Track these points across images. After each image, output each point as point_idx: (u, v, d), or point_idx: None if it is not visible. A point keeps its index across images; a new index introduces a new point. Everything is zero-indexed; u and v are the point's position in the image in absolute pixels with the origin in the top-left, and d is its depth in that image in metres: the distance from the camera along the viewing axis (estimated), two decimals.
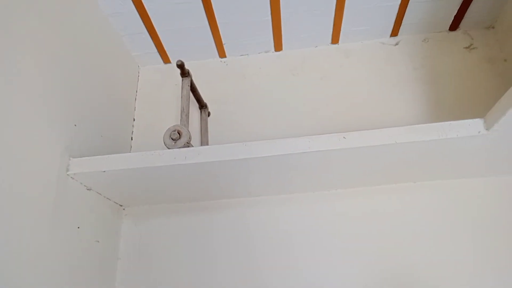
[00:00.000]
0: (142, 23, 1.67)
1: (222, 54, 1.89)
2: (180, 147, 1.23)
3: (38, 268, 1.06)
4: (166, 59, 1.91)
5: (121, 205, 1.58)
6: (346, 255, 1.42)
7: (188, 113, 1.39)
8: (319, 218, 1.47)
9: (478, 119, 1.12)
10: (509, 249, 1.35)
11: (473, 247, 1.38)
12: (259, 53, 1.90)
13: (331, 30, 1.77)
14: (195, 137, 1.70)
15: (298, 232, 1.47)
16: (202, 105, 1.71)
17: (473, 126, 1.12)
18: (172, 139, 1.25)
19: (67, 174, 1.20)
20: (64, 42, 1.30)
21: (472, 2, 1.65)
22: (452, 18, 1.74)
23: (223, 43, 1.82)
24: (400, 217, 1.45)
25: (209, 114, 1.75)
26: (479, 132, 1.11)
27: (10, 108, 1.01)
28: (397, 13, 1.70)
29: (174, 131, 1.25)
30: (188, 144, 1.27)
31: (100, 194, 1.40)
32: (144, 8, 1.60)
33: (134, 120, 1.81)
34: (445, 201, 1.44)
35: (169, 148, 1.25)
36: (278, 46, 1.86)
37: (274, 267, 1.43)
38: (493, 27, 1.78)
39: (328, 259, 1.42)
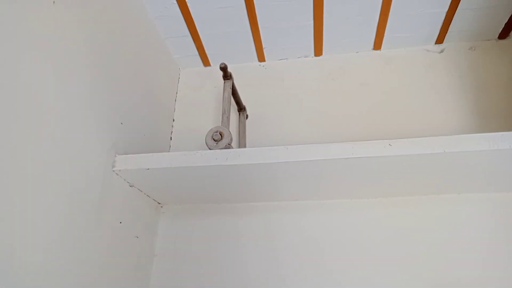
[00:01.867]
0: (186, 26, 1.71)
1: (261, 58, 1.90)
2: (221, 148, 1.25)
3: (81, 259, 1.10)
4: (206, 62, 1.94)
5: (159, 203, 1.61)
6: (381, 266, 1.38)
7: (229, 115, 1.40)
8: (358, 226, 1.45)
9: None
10: None
11: None
12: (298, 57, 1.90)
13: (374, 36, 1.75)
14: (233, 139, 1.71)
15: (334, 240, 1.45)
16: (241, 108, 1.72)
17: None
18: (214, 139, 1.26)
19: (113, 170, 1.24)
20: (113, 42, 1.34)
21: None
22: (503, 26, 1.68)
23: (263, 47, 1.83)
24: (441, 229, 1.40)
25: (247, 117, 1.76)
26: None
27: (63, 106, 1.05)
28: (444, 20, 1.65)
29: (216, 132, 1.26)
30: (229, 146, 1.28)
31: (141, 191, 1.44)
32: (189, 12, 1.63)
33: (173, 120, 1.85)
34: (491, 215, 1.38)
35: (210, 149, 1.26)
36: (318, 51, 1.85)
37: (307, 274, 1.42)
38: None
39: (362, 269, 1.39)
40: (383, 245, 1.41)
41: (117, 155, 1.26)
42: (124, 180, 1.31)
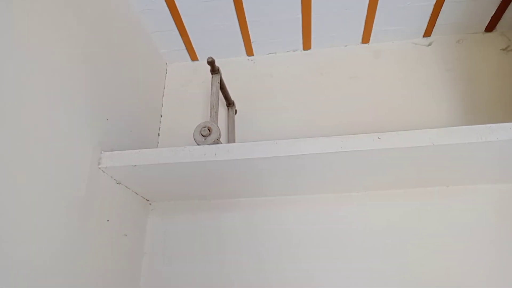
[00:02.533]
0: (172, 20, 1.68)
1: (249, 52, 1.88)
2: (210, 144, 1.23)
3: (69, 258, 1.07)
4: (193, 57, 1.92)
5: (148, 200, 1.59)
6: (369, 259, 1.39)
7: (218, 110, 1.38)
8: (348, 219, 1.45)
9: None
10: None
11: (508, 254, 1.33)
12: (287, 51, 1.88)
13: (362, 30, 1.74)
14: (222, 135, 1.69)
15: (323, 234, 1.44)
16: (229, 103, 1.71)
17: None
18: (202, 135, 1.24)
19: (99, 167, 1.22)
20: (97, 37, 1.31)
21: (511, 2, 1.60)
22: (489, 19, 1.69)
23: (252, 41, 1.81)
24: (430, 221, 1.40)
25: (236, 112, 1.75)
26: None
27: (48, 102, 1.03)
28: (431, 13, 1.65)
29: (205, 127, 1.24)
30: (217, 141, 1.26)
31: (128, 188, 1.41)
32: (175, 5, 1.60)
33: (161, 116, 1.82)
34: (480, 206, 1.39)
35: (198, 144, 1.24)
36: (306, 45, 1.84)
37: (297, 268, 1.42)
38: None
39: (351, 263, 1.39)
40: (372, 239, 1.41)
41: (103, 152, 1.24)
42: (111, 177, 1.29)
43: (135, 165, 1.20)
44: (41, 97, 1.00)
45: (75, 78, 1.16)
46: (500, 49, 1.70)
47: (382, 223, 1.42)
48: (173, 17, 1.66)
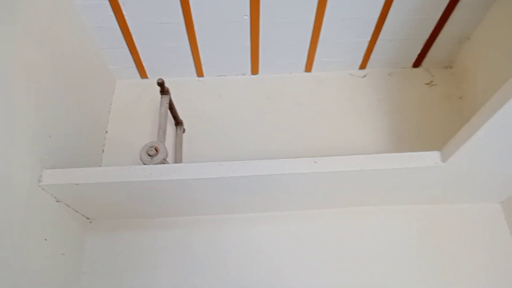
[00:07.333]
0: (123, 38, 1.69)
1: (200, 73, 1.94)
2: (156, 163, 1.25)
3: (3, 279, 1.03)
4: (143, 74, 1.93)
5: (88, 218, 1.56)
6: (303, 275, 1.48)
7: (165, 130, 1.41)
8: (286, 236, 1.53)
9: (436, 151, 1.23)
10: (464, 275, 1.47)
11: (427, 270, 1.48)
12: (236, 75, 1.97)
13: (305, 59, 1.87)
14: (169, 153, 1.71)
15: (266, 251, 1.51)
16: (178, 122, 1.74)
17: (431, 158, 1.22)
18: (149, 155, 1.27)
19: (39, 185, 1.19)
20: (43, 51, 1.29)
21: (434, 43, 1.81)
22: (416, 56, 1.90)
23: (202, 63, 1.87)
24: (358, 238, 1.54)
25: (184, 131, 1.78)
26: (436, 163, 1.22)
27: None
28: (366, 48, 1.83)
29: (152, 147, 1.27)
30: (164, 161, 1.29)
31: (68, 206, 1.38)
32: (127, 25, 1.62)
33: (106, 133, 1.80)
34: (403, 225, 1.55)
35: (145, 164, 1.26)
36: (254, 70, 1.93)
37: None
38: (451, 67, 1.95)
39: (288, 278, 1.47)
40: (303, 255, 1.51)
41: (44, 169, 1.21)
42: (51, 195, 1.26)
43: (77, 184, 1.19)
44: None
45: (17, 92, 1.13)
46: (425, 83, 1.92)
47: (318, 239, 1.52)
48: (124, 35, 1.68)
